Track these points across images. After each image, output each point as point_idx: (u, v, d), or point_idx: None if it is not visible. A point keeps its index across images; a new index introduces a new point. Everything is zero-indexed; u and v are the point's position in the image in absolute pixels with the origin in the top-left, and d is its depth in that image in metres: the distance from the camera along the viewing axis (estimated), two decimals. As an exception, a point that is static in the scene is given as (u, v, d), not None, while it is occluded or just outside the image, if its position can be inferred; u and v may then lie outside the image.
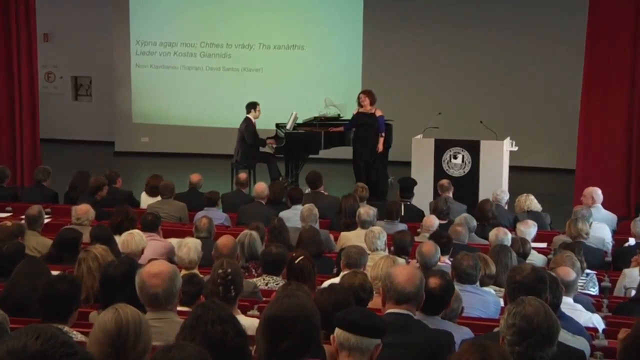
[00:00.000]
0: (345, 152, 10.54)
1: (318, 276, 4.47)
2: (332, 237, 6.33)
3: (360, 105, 9.78)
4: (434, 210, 6.89)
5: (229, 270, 3.58)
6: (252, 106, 10.04)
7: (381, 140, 9.70)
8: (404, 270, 3.14)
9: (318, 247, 5.33)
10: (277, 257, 4.61)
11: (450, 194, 7.55)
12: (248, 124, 9.99)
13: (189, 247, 4.68)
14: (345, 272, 3.97)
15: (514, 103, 12.48)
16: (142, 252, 4.74)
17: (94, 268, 3.98)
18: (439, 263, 4.87)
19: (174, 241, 5.53)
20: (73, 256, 4.71)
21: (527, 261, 5.37)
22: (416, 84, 12.70)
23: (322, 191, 7.75)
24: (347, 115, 10.23)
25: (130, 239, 4.73)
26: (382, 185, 9.88)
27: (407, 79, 12.71)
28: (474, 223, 6.31)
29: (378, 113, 9.70)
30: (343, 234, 6.21)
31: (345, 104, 10.80)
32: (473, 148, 8.72)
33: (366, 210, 6.16)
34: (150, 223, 5.73)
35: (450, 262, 4.64)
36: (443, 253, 5.04)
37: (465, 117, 12.01)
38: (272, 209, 7.06)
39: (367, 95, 9.71)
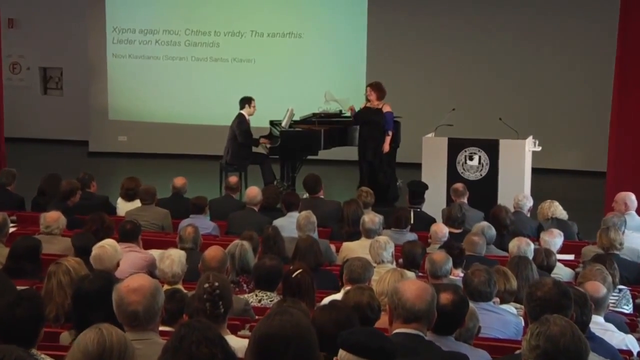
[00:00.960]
0: (348, 152, 10.57)
1: (317, 292, 4.47)
2: (333, 247, 6.33)
3: (366, 99, 9.80)
4: (447, 218, 6.89)
5: (216, 284, 3.58)
6: (246, 101, 10.07)
7: (387, 139, 9.68)
8: (413, 285, 3.13)
9: (317, 259, 5.33)
10: (271, 271, 4.62)
11: (466, 200, 7.56)
12: (241, 120, 10.01)
13: (172, 259, 4.69)
14: (348, 288, 3.97)
15: (537, 98, 12.52)
16: (117, 265, 4.73)
17: (66, 283, 3.97)
18: (450, 277, 4.88)
19: (155, 253, 5.53)
20: (35, 267, 4.70)
21: (553, 275, 5.37)
22: (427, 76, 12.75)
23: (322, 196, 7.76)
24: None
25: (102, 253, 4.65)
26: (392, 189, 9.89)
27: (417, 71, 12.74)
28: (493, 232, 6.31)
29: (386, 109, 9.68)
30: (345, 244, 6.22)
31: (348, 99, 10.82)
32: (491, 148, 8.73)
33: (371, 218, 6.17)
34: (129, 232, 5.74)
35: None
36: (455, 266, 5.04)
37: (482, 113, 12.04)
38: (266, 216, 7.07)
39: (374, 88, 9.69)
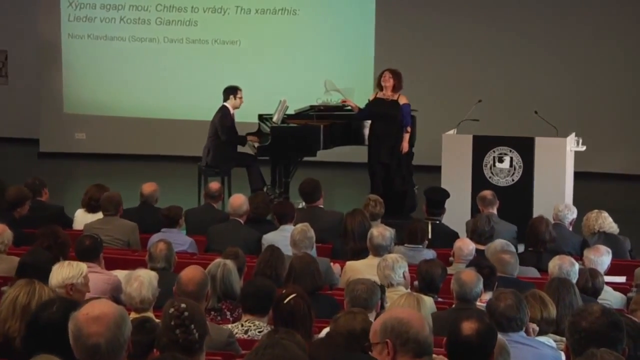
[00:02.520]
0: (354, 152, 10.59)
1: (316, 321, 4.48)
2: (335, 267, 6.34)
3: (380, 87, 9.81)
4: (473, 231, 6.90)
5: (183, 306, 3.61)
6: (231, 92, 10.08)
7: (406, 137, 9.68)
8: (414, 314, 3.13)
9: (315, 282, 5.34)
10: (262, 292, 4.63)
11: (495, 210, 7.57)
12: (224, 114, 10.03)
13: (141, 281, 4.69)
14: (341, 314, 3.98)
15: (580, 89, 12.55)
16: (68, 290, 4.75)
17: (20, 304, 3.98)
18: (477, 302, 4.89)
19: (120, 274, 5.54)
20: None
21: (599, 301, 5.37)
22: (448, 61, 12.78)
23: (321, 206, 7.77)
24: (358, 103, 10.26)
25: (55, 275, 4.71)
26: (410, 197, 9.89)
27: (435, 55, 12.78)
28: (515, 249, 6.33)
29: (402, 100, 9.68)
30: (349, 263, 6.23)
31: (352, 89, 10.85)
32: (525, 147, 8.75)
33: (380, 232, 6.18)
34: (88, 249, 5.74)
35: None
36: (485, 288, 5.04)
37: (514, 106, 12.08)
38: (254, 229, 7.07)
39: (395, 76, 9.68)
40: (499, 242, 6.32)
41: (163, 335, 3.61)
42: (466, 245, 6.38)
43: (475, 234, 6.84)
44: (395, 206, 9.55)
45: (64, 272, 4.84)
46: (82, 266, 4.95)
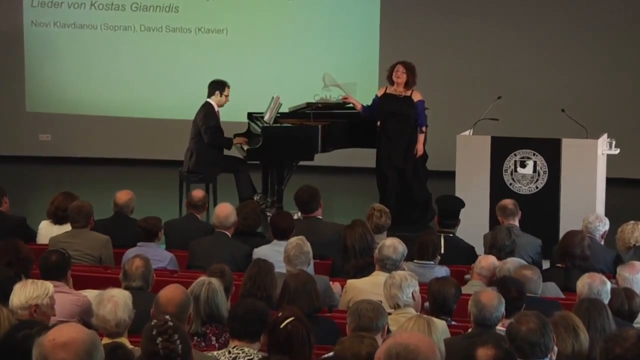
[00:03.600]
0: (359, 156, 10.58)
1: (315, 347, 4.47)
2: (334, 287, 6.34)
3: (390, 81, 9.83)
4: (492, 246, 6.91)
5: (167, 317, 3.65)
6: (217, 87, 10.09)
7: (421, 138, 9.78)
8: (422, 338, 3.11)
9: (312, 303, 5.33)
10: (252, 315, 4.61)
11: (517, 222, 7.58)
12: (208, 112, 10.04)
13: (115, 302, 4.69)
14: (347, 337, 3.98)
15: (612, 85, 12.54)
16: (32, 312, 4.75)
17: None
18: (498, 327, 4.90)
19: (91, 294, 5.54)
20: None
21: (636, 325, 5.37)
22: (461, 54, 12.79)
23: (320, 217, 7.78)
24: (362, 101, 10.26)
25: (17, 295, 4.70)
26: (427, 207, 9.91)
27: (447, 47, 12.79)
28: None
29: (416, 97, 9.76)
30: (351, 282, 6.23)
31: (354, 83, 10.87)
32: (551, 150, 8.78)
33: (393, 243, 6.20)
34: (54, 266, 5.74)
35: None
36: (508, 313, 5.03)
37: (538, 104, 12.09)
38: (243, 243, 7.08)
39: (409, 70, 9.74)
40: (514, 260, 6.34)
41: (142, 352, 3.62)
42: (489, 263, 6.38)
43: (495, 248, 6.84)
44: (414, 217, 9.59)
45: (27, 292, 4.85)
46: (48, 285, 4.95)
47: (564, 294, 6.33)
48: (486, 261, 6.43)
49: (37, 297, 4.84)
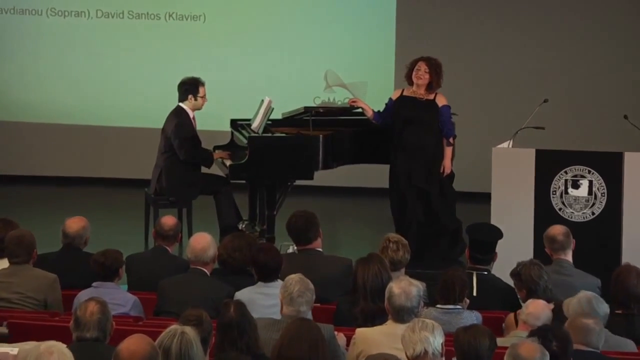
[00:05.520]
0: (369, 174, 10.57)
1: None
2: (339, 338, 6.33)
3: (410, 81, 9.83)
4: (532, 285, 6.89)
5: None
6: (189, 88, 10.08)
7: (448, 152, 9.75)
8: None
9: (314, 355, 5.35)
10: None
11: (569, 256, 7.58)
12: (181, 120, 10.03)
13: (62, 355, 4.69)
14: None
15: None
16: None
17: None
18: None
19: (27, 347, 5.51)
20: None
21: None
22: (494, 48, 12.83)
23: (319, 249, 7.77)
24: (373, 105, 10.28)
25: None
26: (455, 238, 9.90)
27: (477, 40, 12.83)
28: (605, 309, 6.33)
29: (441, 101, 9.76)
30: (361, 331, 6.21)
31: (364, 83, 10.90)
32: (610, 167, 8.79)
33: (402, 288, 6.15)
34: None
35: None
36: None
37: (592, 109, 12.08)
38: (225, 283, 7.07)
39: (433, 68, 9.71)
40: (585, 296, 6.29)
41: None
42: (538, 309, 6.29)
43: (530, 290, 6.82)
44: (440, 251, 9.58)
45: None
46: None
47: (630, 348, 6.31)
48: (535, 307, 6.36)
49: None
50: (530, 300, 6.54)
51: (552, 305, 6.42)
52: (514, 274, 7.01)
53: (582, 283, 7.30)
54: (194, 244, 7.31)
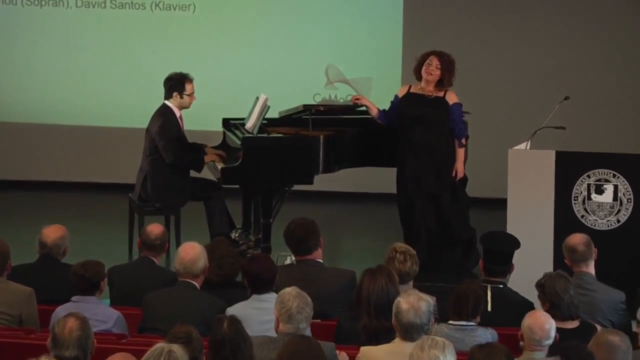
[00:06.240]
0: (374, 178, 10.57)
1: None
2: (341, 357, 6.33)
3: (418, 76, 9.83)
4: (550, 300, 6.88)
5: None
6: (175, 85, 10.09)
7: (461, 153, 9.77)
8: None
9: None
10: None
11: (591, 268, 7.57)
12: (167, 120, 10.04)
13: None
14: None
15: None
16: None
17: None
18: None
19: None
20: None
21: None
22: (510, 42, 12.84)
23: (320, 260, 7.76)
24: (379, 103, 10.29)
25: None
26: (469, 248, 9.91)
27: (490, 33, 12.85)
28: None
29: (452, 98, 9.78)
30: (366, 350, 6.21)
31: (369, 79, 10.90)
32: (637, 170, 8.80)
33: (411, 304, 6.13)
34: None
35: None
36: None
37: (617, 107, 12.09)
38: (216, 297, 7.06)
39: (444, 64, 9.72)
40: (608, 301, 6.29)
41: None
42: (540, 323, 6.32)
43: (559, 303, 6.82)
44: (452, 262, 9.57)
45: None
46: None
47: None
48: (534, 320, 6.33)
49: None
50: (529, 313, 6.52)
51: (551, 319, 6.39)
52: (539, 285, 6.99)
53: (605, 298, 7.31)
54: (182, 254, 7.29)
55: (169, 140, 9.98)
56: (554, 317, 6.44)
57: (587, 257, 7.55)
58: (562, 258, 7.77)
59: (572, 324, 6.68)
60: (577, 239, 7.66)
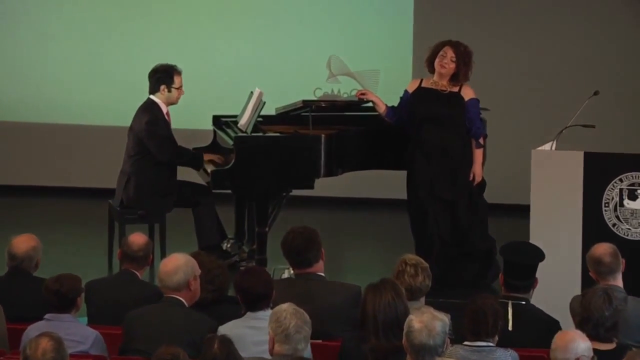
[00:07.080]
0: (384, 182, 10.58)
1: None
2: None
3: (431, 69, 9.87)
4: (584, 320, 6.87)
5: None
6: (162, 77, 10.12)
7: (479, 154, 9.81)
8: None
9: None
10: None
11: (619, 281, 7.57)
12: (154, 116, 10.06)
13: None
14: None
15: None
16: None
17: None
18: None
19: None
20: None
21: None
22: (530, 34, 12.87)
23: (321, 273, 7.76)
24: (386, 98, 10.29)
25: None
26: (488, 260, 9.93)
27: (510, 24, 12.89)
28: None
29: (468, 94, 9.82)
30: (372, 373, 6.23)
31: (376, 72, 10.89)
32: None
33: (424, 322, 6.14)
34: None
35: None
36: None
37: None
38: (205, 315, 7.06)
39: (460, 55, 9.75)
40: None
41: None
42: (573, 343, 6.33)
43: (589, 323, 6.80)
44: (469, 275, 9.57)
45: None
46: None
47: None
48: (563, 340, 6.36)
49: None
50: (558, 333, 6.51)
51: (580, 338, 6.38)
52: (581, 295, 7.03)
53: (637, 314, 7.30)
54: (161, 266, 7.29)
55: (161, 137, 10.00)
56: (590, 338, 6.45)
57: (615, 269, 7.57)
58: (588, 271, 7.75)
59: (608, 346, 6.66)
60: (602, 249, 7.67)
